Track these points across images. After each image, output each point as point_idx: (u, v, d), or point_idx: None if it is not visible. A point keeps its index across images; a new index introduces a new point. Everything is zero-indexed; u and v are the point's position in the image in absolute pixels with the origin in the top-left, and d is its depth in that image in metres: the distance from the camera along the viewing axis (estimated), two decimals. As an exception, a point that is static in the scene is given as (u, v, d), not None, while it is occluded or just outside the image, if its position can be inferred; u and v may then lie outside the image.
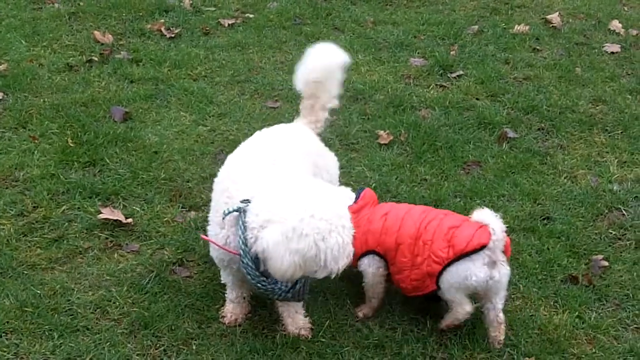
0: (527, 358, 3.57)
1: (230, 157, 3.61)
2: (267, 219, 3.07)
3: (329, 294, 3.86)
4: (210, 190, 3.57)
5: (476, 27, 7.14)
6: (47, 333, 3.54)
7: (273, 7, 7.32)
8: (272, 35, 6.76)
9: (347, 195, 3.36)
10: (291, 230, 2.99)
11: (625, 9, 7.85)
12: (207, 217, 3.52)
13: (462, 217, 3.63)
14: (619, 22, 7.29)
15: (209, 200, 3.55)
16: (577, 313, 3.85)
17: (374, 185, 4.67)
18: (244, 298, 3.66)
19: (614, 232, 4.48)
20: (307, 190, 3.14)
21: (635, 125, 5.60)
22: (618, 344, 3.72)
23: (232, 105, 5.60)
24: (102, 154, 4.85)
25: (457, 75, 6.21)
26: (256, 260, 3.18)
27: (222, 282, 3.68)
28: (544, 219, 4.54)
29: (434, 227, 3.52)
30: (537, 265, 4.14)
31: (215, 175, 3.59)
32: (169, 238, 4.19)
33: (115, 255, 4.07)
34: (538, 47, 6.83)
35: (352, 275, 3.78)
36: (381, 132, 5.28)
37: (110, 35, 6.50)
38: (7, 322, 3.58)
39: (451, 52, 6.60)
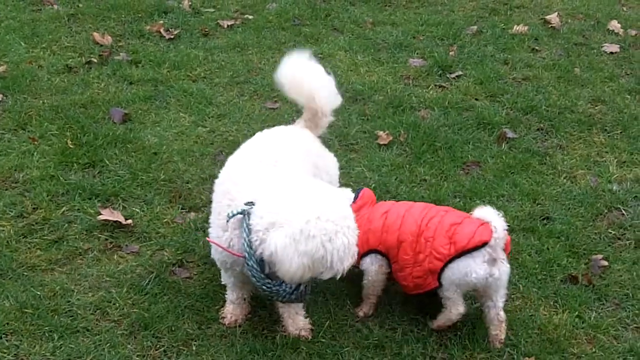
0: (527, 358, 3.57)
1: (230, 159, 3.60)
2: (272, 221, 3.07)
3: (329, 295, 3.86)
4: (210, 191, 3.57)
5: (475, 27, 7.14)
6: (47, 334, 3.54)
7: (272, 8, 7.32)
8: (271, 36, 6.76)
9: (347, 195, 3.37)
10: (298, 233, 3.00)
11: (624, 9, 7.85)
12: (207, 218, 3.52)
13: (464, 214, 3.64)
14: (618, 23, 7.30)
15: (209, 201, 3.55)
16: (577, 313, 3.85)
17: (373, 185, 4.67)
18: (244, 299, 3.66)
19: (613, 232, 4.48)
20: (311, 192, 3.14)
21: (634, 125, 5.60)
22: (618, 343, 3.73)
23: (232, 106, 5.60)
24: (102, 155, 4.85)
25: (456, 76, 6.21)
26: (261, 262, 3.18)
27: (223, 283, 3.68)
28: (543, 219, 4.54)
29: (436, 224, 3.53)
30: (536, 265, 4.15)
31: (215, 176, 3.59)
32: (169, 239, 4.19)
33: (115, 256, 4.07)
34: (537, 48, 6.83)
35: (352, 276, 3.78)
36: (380, 133, 5.28)
37: (109, 37, 6.49)
38: (7, 323, 3.57)
39: (450, 53, 6.60)
